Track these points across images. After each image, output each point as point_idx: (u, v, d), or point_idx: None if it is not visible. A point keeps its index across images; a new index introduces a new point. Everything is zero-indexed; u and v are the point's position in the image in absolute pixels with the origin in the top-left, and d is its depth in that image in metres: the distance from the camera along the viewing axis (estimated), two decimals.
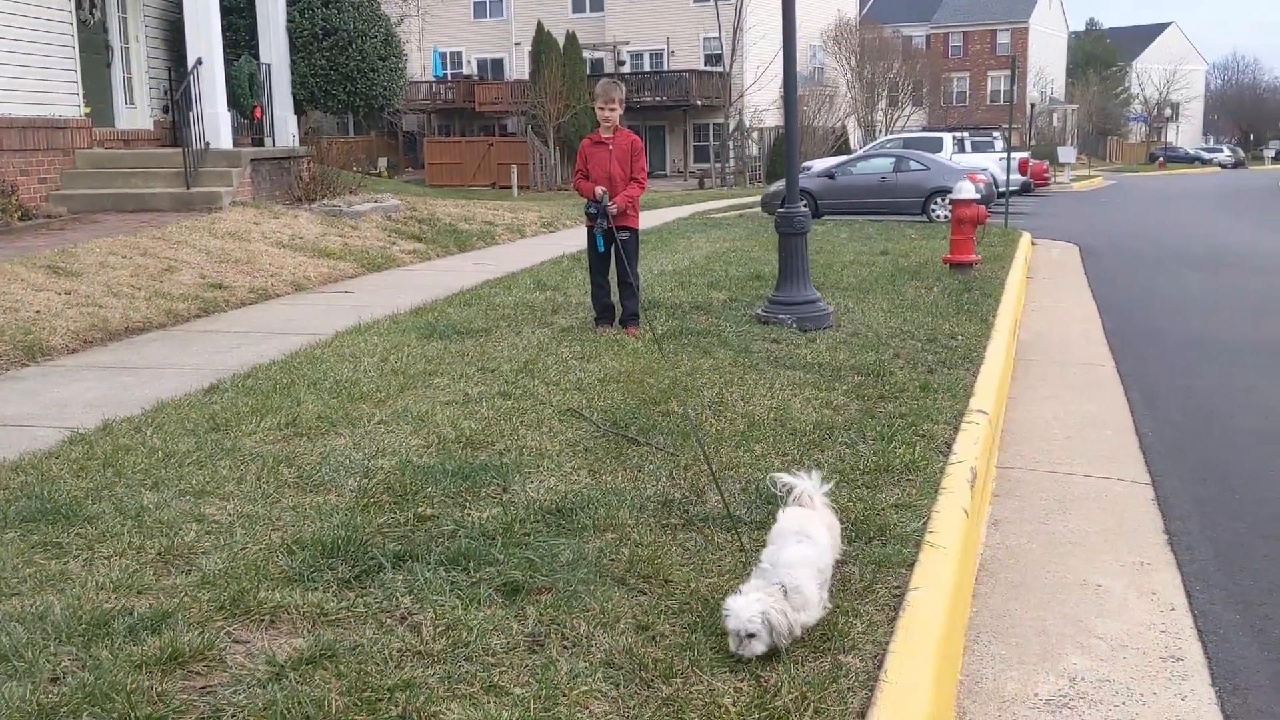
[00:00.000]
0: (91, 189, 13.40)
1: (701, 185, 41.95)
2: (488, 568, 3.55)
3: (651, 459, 4.80)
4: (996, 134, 36.11)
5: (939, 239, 15.12)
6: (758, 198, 27.72)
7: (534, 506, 4.14)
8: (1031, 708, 3.46)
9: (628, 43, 48.60)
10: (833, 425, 5.42)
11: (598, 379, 6.24)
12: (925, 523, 4.12)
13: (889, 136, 39.38)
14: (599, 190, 7.67)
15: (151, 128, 16.05)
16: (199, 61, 14.16)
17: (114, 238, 10.87)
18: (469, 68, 52.94)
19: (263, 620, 3.21)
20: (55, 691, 2.80)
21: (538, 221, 18.24)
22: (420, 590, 3.38)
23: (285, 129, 17.15)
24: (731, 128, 45.14)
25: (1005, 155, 22.58)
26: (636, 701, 2.82)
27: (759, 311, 8.47)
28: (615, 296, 8.09)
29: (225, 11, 15.52)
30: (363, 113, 21.14)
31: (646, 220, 11.87)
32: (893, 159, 23.84)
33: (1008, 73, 26.18)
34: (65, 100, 13.91)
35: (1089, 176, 53.22)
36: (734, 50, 43.12)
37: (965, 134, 36.01)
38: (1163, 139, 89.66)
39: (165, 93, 16.10)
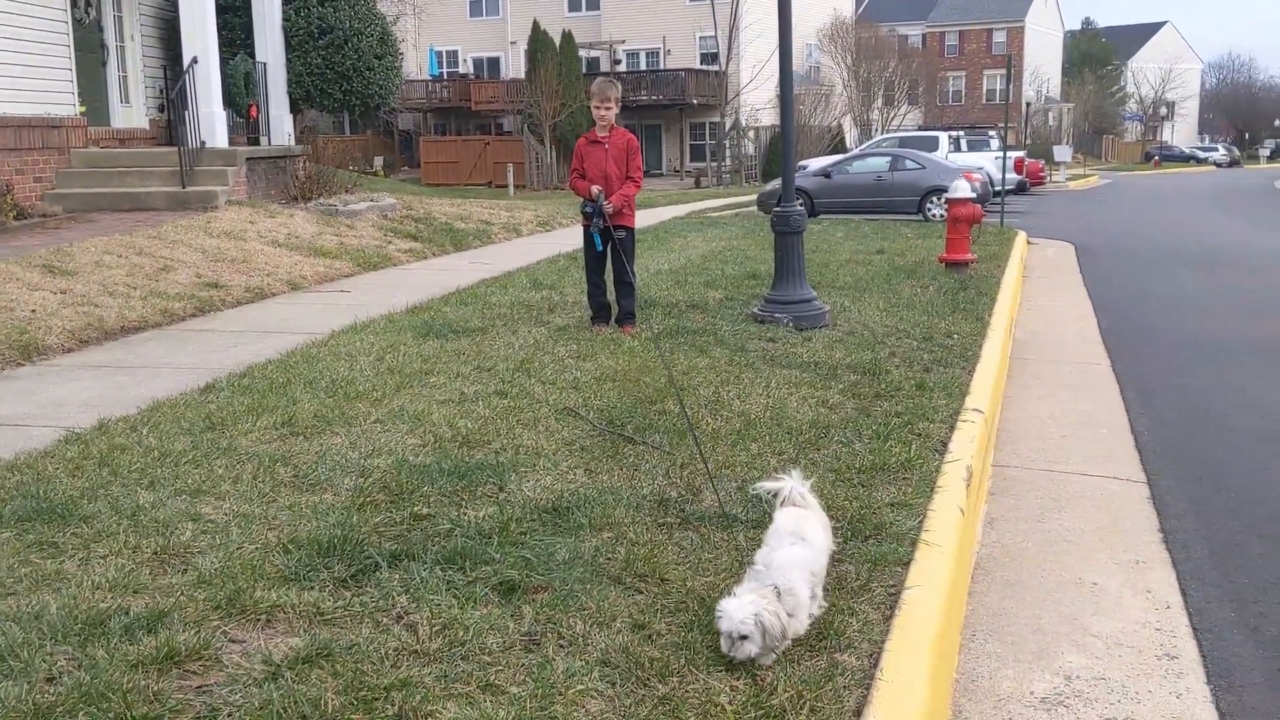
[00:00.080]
0: (87, 188, 13.38)
1: (698, 184, 41.96)
2: (484, 567, 3.56)
3: (648, 458, 4.80)
4: (992, 133, 36.14)
5: (935, 238, 15.14)
6: (754, 196, 27.74)
7: (530, 505, 4.14)
8: (1027, 706, 3.46)
9: (624, 41, 48.58)
10: (829, 424, 5.43)
11: (594, 378, 6.24)
12: (921, 521, 4.13)
13: (885, 135, 39.40)
14: (595, 189, 7.67)
15: (147, 126, 16.03)
16: (194, 60, 14.14)
17: (109, 237, 10.86)
18: (465, 66, 52.92)
19: (259, 619, 3.21)
20: (51, 691, 2.80)
21: (534, 220, 18.24)
22: (416, 589, 3.38)
23: (281, 128, 17.13)
24: (728, 127, 45.13)
25: (1001, 154, 22.59)
26: (633, 700, 2.82)
27: (755, 310, 8.47)
28: (612, 295, 8.09)
29: (221, 10, 15.50)
30: (359, 112, 21.12)
31: (643, 219, 11.87)
32: (889, 158, 23.86)
33: (1004, 72, 26.22)
34: (60, 99, 13.88)
35: (1085, 175, 53.24)
36: (730, 49, 43.11)
37: (961, 133, 36.02)
38: (1158, 138, 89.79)
39: (161, 91, 16.09)
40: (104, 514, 4.00)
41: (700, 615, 3.26)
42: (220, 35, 15.14)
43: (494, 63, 52.82)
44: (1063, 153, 48.69)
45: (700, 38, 47.22)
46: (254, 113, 16.20)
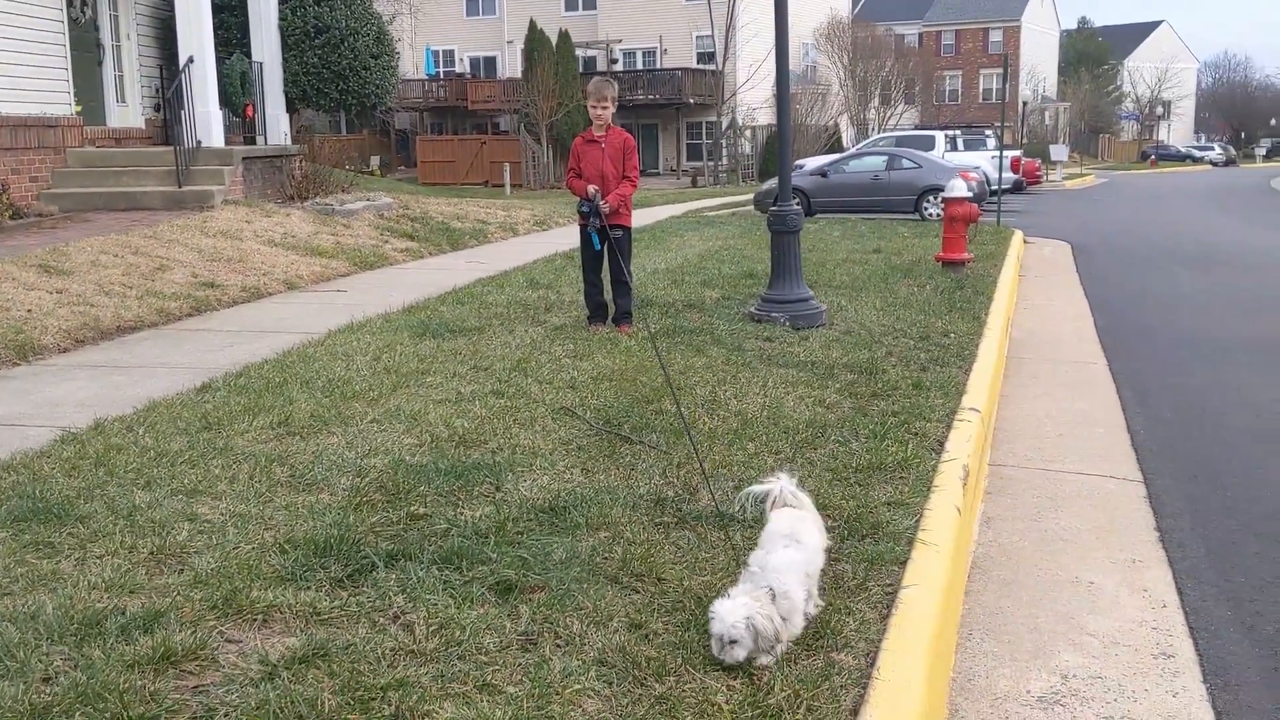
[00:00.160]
0: (83, 187, 13.37)
1: (694, 183, 41.95)
2: (480, 566, 3.55)
3: (644, 457, 4.80)
4: (989, 132, 36.16)
5: (931, 237, 15.14)
6: (750, 196, 27.74)
7: (527, 505, 4.14)
8: (1024, 705, 3.47)
9: (620, 41, 48.59)
10: (826, 423, 5.43)
11: (591, 377, 6.24)
12: (918, 520, 4.13)
13: (881, 135, 39.41)
14: (592, 189, 7.66)
15: (143, 126, 16.01)
16: (190, 60, 14.13)
17: (105, 236, 10.85)
18: (461, 66, 52.91)
19: (255, 619, 3.20)
20: (48, 691, 2.79)
21: (530, 220, 18.23)
22: (413, 589, 3.38)
23: (277, 127, 17.11)
24: (724, 126, 45.14)
25: (997, 153, 22.60)
26: (629, 700, 2.82)
27: (752, 310, 8.48)
28: (609, 295, 8.09)
29: (217, 9, 15.49)
30: (355, 111, 21.14)
31: (639, 218, 11.88)
32: (885, 157, 23.86)
33: (1000, 71, 26.23)
34: (56, 99, 13.87)
35: (1081, 174, 53.30)
36: (727, 48, 43.11)
37: (958, 132, 36.07)
38: (1154, 137, 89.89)
39: (157, 91, 16.07)
40: (100, 514, 3.99)
41: (697, 614, 3.25)
42: (216, 34, 15.13)
43: (490, 62, 52.81)
44: (1059, 152, 48.71)
45: (697, 37, 47.24)
46: (250, 112, 16.19)
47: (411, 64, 46.71)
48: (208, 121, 14.41)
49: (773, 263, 8.54)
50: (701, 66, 46.58)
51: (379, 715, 2.71)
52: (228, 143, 15.17)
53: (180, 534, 3.82)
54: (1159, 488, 5.65)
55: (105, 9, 15.33)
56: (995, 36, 71.68)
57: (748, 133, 46.56)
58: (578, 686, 2.85)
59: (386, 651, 3.00)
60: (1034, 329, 10.46)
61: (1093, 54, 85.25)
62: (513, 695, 2.81)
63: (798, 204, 8.76)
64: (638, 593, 3.44)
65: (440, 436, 5.00)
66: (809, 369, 6.68)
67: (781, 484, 3.48)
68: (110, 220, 12.16)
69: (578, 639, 3.11)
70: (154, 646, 2.98)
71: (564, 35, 42.33)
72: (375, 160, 42.76)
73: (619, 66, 47.92)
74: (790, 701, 2.83)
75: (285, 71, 17.49)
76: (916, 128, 49.54)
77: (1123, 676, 3.65)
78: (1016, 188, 32.71)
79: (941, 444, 5.20)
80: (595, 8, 49.44)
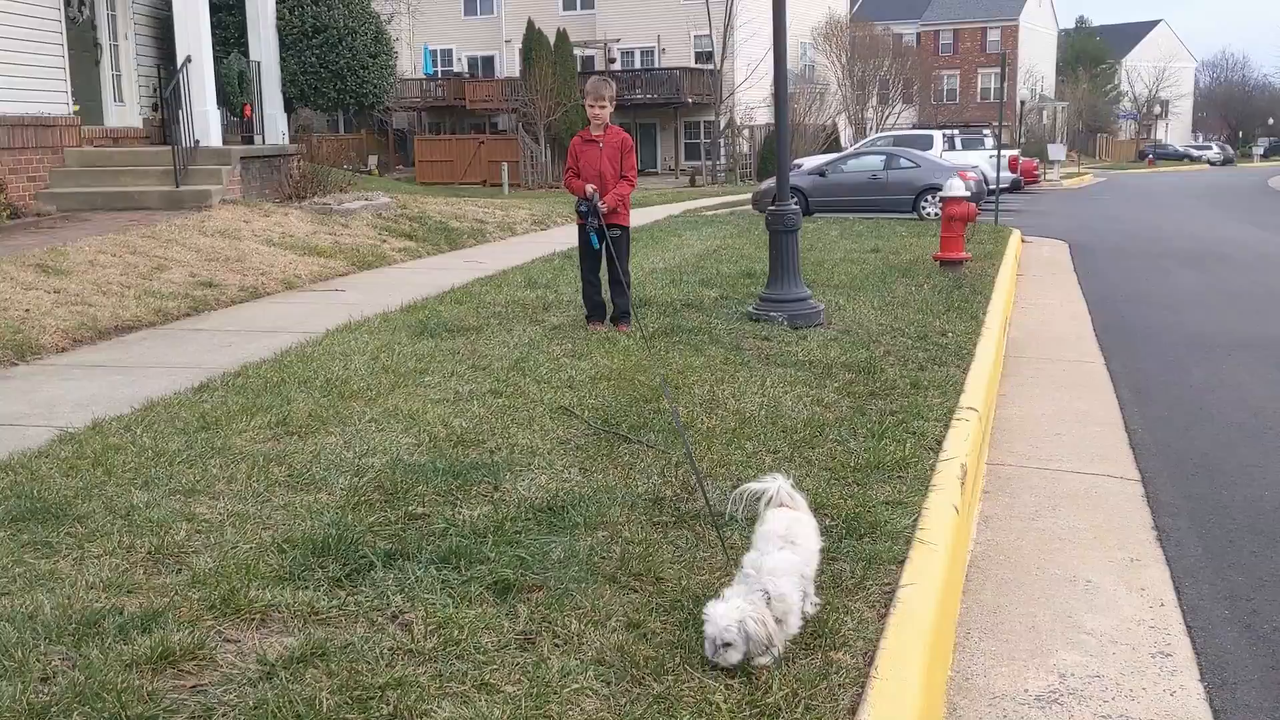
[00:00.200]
0: (81, 187, 13.35)
1: (693, 183, 41.96)
2: (479, 566, 3.55)
3: (643, 457, 4.80)
4: (987, 131, 36.17)
5: (929, 236, 15.15)
6: (749, 195, 27.74)
7: (525, 504, 4.14)
8: (1022, 704, 3.47)
9: (618, 40, 48.57)
10: (824, 422, 5.43)
11: (589, 377, 6.24)
12: (916, 520, 4.13)
13: (879, 134, 39.40)
14: (590, 188, 7.66)
15: (141, 126, 16.00)
16: (188, 59, 14.12)
17: (103, 236, 10.84)
18: (459, 65, 52.89)
19: (253, 619, 3.20)
20: (46, 691, 2.79)
21: (529, 219, 18.22)
22: (411, 589, 3.38)
23: (275, 127, 17.10)
24: (722, 125, 45.14)
25: (995, 153, 22.61)
26: (628, 699, 2.82)
27: (750, 309, 8.48)
28: (607, 294, 8.09)
29: (215, 9, 15.48)
30: (353, 110, 21.16)
31: (638, 218, 11.87)
32: (883, 156, 23.88)
33: (998, 70, 26.24)
34: (54, 98, 13.85)
35: (1079, 174, 53.37)
36: (725, 48, 43.12)
37: (955, 131, 36.08)
38: (1152, 136, 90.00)
39: (155, 90, 16.05)
40: (98, 514, 3.99)
41: (695, 614, 3.25)
42: (214, 34, 15.11)
43: (488, 61, 52.79)
44: (1057, 151, 48.68)
45: (695, 36, 47.24)
46: (248, 112, 16.19)
47: (409, 63, 46.67)
48: (205, 121, 14.40)
49: (771, 262, 8.54)
50: (699, 66, 46.58)
51: (377, 715, 2.71)
52: (226, 142, 15.17)
53: (178, 534, 3.82)
54: (1157, 486, 5.66)
55: (103, 8, 15.32)
56: (993, 36, 71.70)
57: (746, 132, 46.57)
58: (576, 686, 2.85)
59: (385, 651, 3.00)
60: (1032, 328, 10.47)
61: (1090, 53, 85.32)
62: (511, 694, 2.81)
63: (796, 203, 8.76)
64: (636, 592, 3.44)
65: (438, 436, 5.00)
66: (807, 368, 6.68)
67: (778, 484, 3.46)
68: (108, 220, 12.15)
69: (576, 638, 3.11)
70: (152, 646, 2.98)
71: (562, 35, 42.33)
72: (373, 160, 42.76)
73: (617, 66, 47.89)
74: (788, 700, 2.83)
75: (283, 71, 17.48)
76: (914, 127, 49.55)
77: (1120, 675, 3.65)
78: (1014, 187, 32.73)
79: (939, 443, 5.20)
80: (593, 7, 49.44)
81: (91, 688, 2.76)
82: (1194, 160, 77.39)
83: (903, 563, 3.73)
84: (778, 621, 2.97)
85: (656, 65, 48.11)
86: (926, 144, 30.10)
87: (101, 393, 6.17)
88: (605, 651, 3.03)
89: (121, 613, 3.19)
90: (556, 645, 3.07)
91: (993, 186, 21.55)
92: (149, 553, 3.66)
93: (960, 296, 9.93)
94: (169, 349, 7.57)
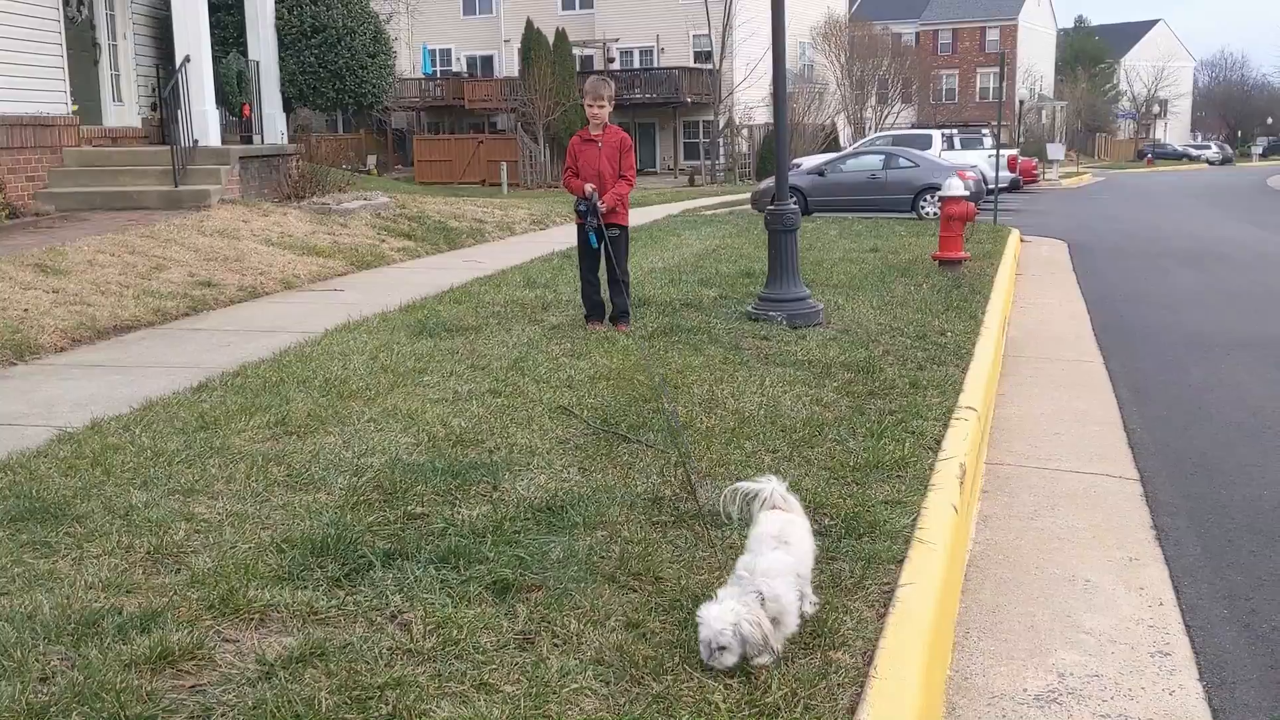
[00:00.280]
0: (79, 187, 13.35)
1: (692, 182, 41.96)
2: (478, 566, 3.55)
3: (642, 456, 4.80)
4: (985, 131, 36.17)
5: (928, 236, 15.15)
6: (748, 195, 27.74)
7: (524, 504, 4.14)
8: (1021, 703, 3.47)
9: (617, 40, 48.57)
10: (823, 422, 5.43)
11: (588, 376, 6.24)
12: (915, 519, 4.13)
13: (878, 134, 39.40)
14: (588, 188, 7.66)
15: (140, 125, 15.99)
16: (187, 59, 14.11)
17: (102, 236, 10.83)
18: (458, 65, 52.88)
19: (252, 619, 3.20)
20: (45, 691, 2.79)
21: (527, 219, 18.22)
22: (410, 588, 3.38)
23: (274, 126, 17.10)
24: (721, 125, 45.14)
25: (994, 152, 22.62)
26: (627, 699, 2.82)
27: (749, 308, 8.48)
28: (605, 293, 8.09)
29: (213, 8, 15.47)
30: (352, 110, 21.16)
31: (637, 217, 11.87)
32: (882, 156, 23.88)
33: (997, 70, 26.25)
34: (52, 98, 13.84)
35: (1078, 173, 53.37)
36: (724, 47, 43.12)
37: (954, 131, 36.07)
38: (1151, 136, 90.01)
39: (153, 90, 16.04)
40: (97, 513, 3.99)
41: (694, 613, 3.24)
42: (213, 34, 15.11)
43: (487, 61, 52.79)
44: (1056, 150, 48.69)
45: (694, 36, 47.24)
46: (247, 111, 16.18)
47: (408, 63, 46.68)
48: (204, 121, 14.39)
49: (770, 262, 8.54)
50: (699, 65, 46.58)
51: (376, 714, 2.71)
52: (224, 142, 15.16)
53: (177, 533, 3.82)
54: (1156, 486, 5.66)
55: (102, 8, 15.31)
56: (992, 35, 71.75)
57: (745, 132, 46.56)
58: (575, 685, 2.85)
59: (384, 651, 3.00)
60: (1031, 327, 10.47)
61: (1089, 52, 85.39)
62: (510, 694, 2.81)
63: (795, 203, 8.76)
64: (635, 592, 3.44)
65: (437, 435, 4.99)
66: (806, 368, 6.68)
67: (771, 486, 3.44)
68: (107, 220, 12.14)
69: (575, 638, 3.11)
70: (151, 646, 2.98)
71: (561, 34, 42.32)
72: (372, 159, 42.76)
73: (616, 65, 47.89)
74: (788, 700, 2.83)
75: (282, 70, 17.47)
76: (913, 127, 49.57)
77: (1119, 674, 3.66)
78: (1013, 186, 32.74)
79: (938, 442, 5.20)
80: (592, 7, 49.43)
81: (90, 688, 2.76)
82: (1193, 160, 77.44)
83: (902, 562, 3.73)
84: (773, 622, 2.96)
85: (655, 65, 48.11)
86: (925, 143, 30.10)
87: (100, 392, 6.17)
88: (604, 651, 3.03)
89: (120, 613, 3.19)
90: (555, 645, 3.07)
91: (991, 186, 21.55)
92: (148, 552, 3.66)
93: (959, 296, 9.93)
94: (168, 349, 7.56)
